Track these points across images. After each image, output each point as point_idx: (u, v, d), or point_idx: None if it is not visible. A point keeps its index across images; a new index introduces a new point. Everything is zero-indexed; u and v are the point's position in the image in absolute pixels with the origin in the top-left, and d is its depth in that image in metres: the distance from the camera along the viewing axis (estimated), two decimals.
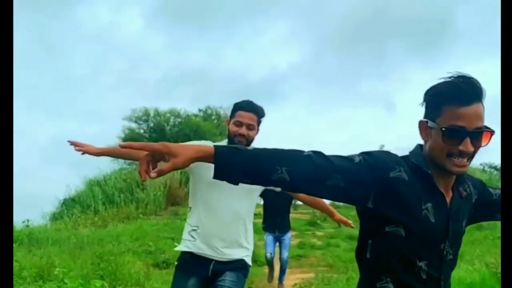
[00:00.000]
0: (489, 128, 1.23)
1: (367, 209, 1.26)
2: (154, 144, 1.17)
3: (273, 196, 5.63)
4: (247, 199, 2.50)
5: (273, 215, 6.10)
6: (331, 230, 12.19)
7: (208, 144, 2.31)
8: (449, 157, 1.23)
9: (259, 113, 2.48)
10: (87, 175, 15.07)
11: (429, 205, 1.26)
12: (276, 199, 5.75)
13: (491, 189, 1.48)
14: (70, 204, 13.75)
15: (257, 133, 2.49)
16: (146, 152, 1.18)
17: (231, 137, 2.45)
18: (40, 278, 4.99)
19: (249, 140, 2.44)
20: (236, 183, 1.18)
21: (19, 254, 5.84)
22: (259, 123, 2.49)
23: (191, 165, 1.16)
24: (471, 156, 1.24)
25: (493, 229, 9.71)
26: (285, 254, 6.22)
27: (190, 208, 2.54)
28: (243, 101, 2.49)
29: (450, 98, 1.21)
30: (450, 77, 1.25)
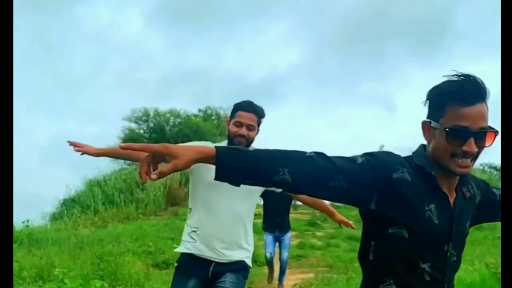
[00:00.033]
0: (493, 129, 1.22)
1: (369, 210, 1.25)
2: (155, 145, 1.16)
3: (273, 196, 5.62)
4: (247, 200, 2.49)
5: (273, 215, 6.10)
6: (331, 231, 12.18)
7: (208, 145, 2.32)
8: (453, 157, 1.22)
9: (259, 113, 2.48)
10: (87, 175, 15.10)
11: (432, 206, 1.25)
12: (276, 199, 5.74)
13: (494, 190, 1.47)
14: (70, 204, 13.76)
15: (257, 133, 2.48)
16: (146, 154, 1.17)
17: (231, 138, 2.44)
18: (40, 278, 4.99)
19: (249, 141, 2.43)
20: (237, 185, 1.17)
21: (19, 254, 5.83)
22: (259, 123, 2.49)
23: (192, 166, 1.15)
24: (475, 157, 1.23)
25: (493, 229, 9.71)
26: (285, 255, 6.21)
27: (190, 209, 2.53)
28: (243, 102, 2.49)
29: (454, 98, 1.20)
30: (453, 75, 1.23)
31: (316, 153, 1.20)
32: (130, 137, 24.47)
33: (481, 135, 1.21)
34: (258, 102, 2.50)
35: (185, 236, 2.51)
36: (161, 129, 25.63)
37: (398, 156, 1.29)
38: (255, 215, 2.63)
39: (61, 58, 42.68)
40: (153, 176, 1.15)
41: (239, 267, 2.49)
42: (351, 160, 1.22)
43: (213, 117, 27.88)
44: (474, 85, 1.21)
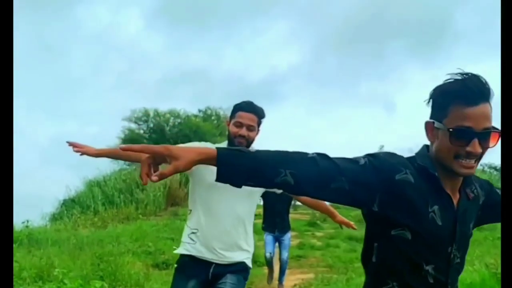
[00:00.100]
0: (496, 129, 1.21)
1: (372, 212, 1.24)
2: (155, 146, 1.15)
3: (272, 197, 5.61)
4: (247, 201, 2.48)
5: (273, 215, 6.10)
6: (331, 231, 12.18)
7: (208, 146, 2.32)
8: (457, 158, 1.21)
9: (260, 114, 2.47)
10: (86, 175, 15.13)
11: (435, 207, 1.24)
12: (275, 199, 5.73)
13: (498, 190, 1.45)
14: (69, 204, 13.76)
15: (257, 134, 2.47)
16: (147, 155, 1.15)
17: (231, 138, 2.44)
18: (39, 278, 4.99)
19: (249, 141, 2.42)
20: (239, 186, 1.16)
21: (18, 255, 5.82)
22: (259, 124, 2.48)
23: (192, 168, 1.14)
24: (478, 158, 1.22)
25: (493, 229, 9.71)
26: (285, 255, 6.21)
27: (190, 210, 2.52)
28: (243, 102, 2.48)
29: (457, 98, 1.19)
30: (457, 73, 1.22)
31: (319, 154, 1.19)
32: (130, 138, 24.49)
33: (485, 136, 1.20)
34: (258, 102, 2.49)
35: (184, 238, 2.50)
36: (161, 129, 25.65)
37: (401, 157, 1.28)
38: (255, 215, 2.62)
39: (61, 58, 42.75)
40: (154, 177, 1.13)
41: (239, 268, 2.48)
42: (354, 161, 1.21)
43: (213, 118, 27.92)
44: (478, 85, 1.19)
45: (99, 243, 7.80)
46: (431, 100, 1.27)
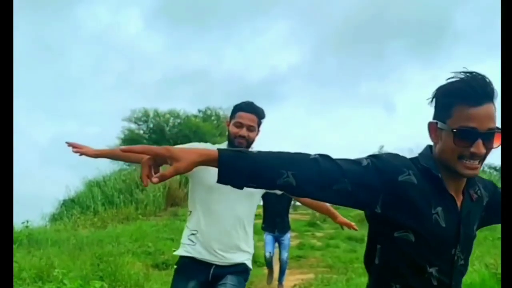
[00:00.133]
0: (500, 129, 1.20)
1: (375, 213, 1.23)
2: (156, 148, 1.13)
3: (272, 197, 5.62)
4: (247, 202, 2.47)
5: (273, 215, 6.10)
6: (330, 231, 12.18)
7: (208, 147, 2.32)
8: (460, 159, 1.20)
9: (260, 114, 2.47)
10: (86, 176, 15.15)
11: (439, 209, 1.23)
12: (275, 200, 5.74)
13: None
14: (69, 205, 13.77)
15: (257, 134, 2.47)
16: (147, 156, 1.13)
17: (231, 139, 2.43)
18: (39, 279, 4.98)
19: (250, 142, 2.41)
20: (240, 187, 1.15)
21: (18, 255, 5.82)
22: (259, 124, 2.47)
23: (193, 169, 1.13)
24: (482, 158, 1.21)
25: (493, 229, 9.69)
26: (285, 255, 6.21)
27: (190, 212, 2.51)
28: (243, 102, 2.47)
29: (461, 98, 1.18)
30: (460, 71, 1.21)
31: (321, 155, 1.18)
32: (130, 138, 24.50)
33: (489, 136, 1.18)
34: (258, 102, 2.49)
35: (184, 239, 2.49)
36: (161, 129, 25.65)
37: (404, 158, 1.27)
38: (255, 215, 2.62)
39: (61, 58, 42.77)
40: (155, 179, 1.12)
41: (240, 269, 2.47)
42: (356, 162, 1.20)
43: (212, 118, 27.93)
44: (482, 85, 1.18)
45: (98, 243, 7.80)
46: (434, 100, 1.26)
